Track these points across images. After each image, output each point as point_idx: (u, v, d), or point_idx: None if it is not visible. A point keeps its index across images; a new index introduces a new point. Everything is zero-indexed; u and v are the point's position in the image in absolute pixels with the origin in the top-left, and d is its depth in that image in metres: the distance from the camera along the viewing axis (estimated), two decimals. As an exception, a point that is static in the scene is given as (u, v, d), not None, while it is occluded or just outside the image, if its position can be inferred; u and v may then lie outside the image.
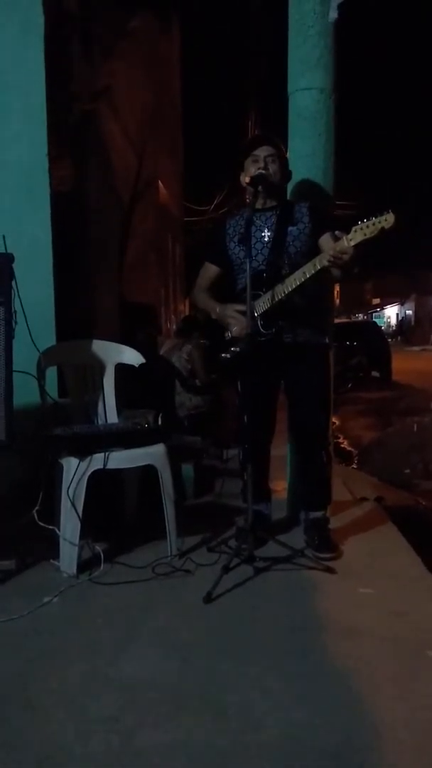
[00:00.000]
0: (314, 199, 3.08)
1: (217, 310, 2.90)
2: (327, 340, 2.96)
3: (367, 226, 2.45)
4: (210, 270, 3.02)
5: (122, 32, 7.28)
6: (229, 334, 2.89)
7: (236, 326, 2.80)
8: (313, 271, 2.60)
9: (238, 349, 2.87)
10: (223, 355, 2.95)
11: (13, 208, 3.63)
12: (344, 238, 2.51)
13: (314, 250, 2.72)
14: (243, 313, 2.72)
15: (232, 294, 2.92)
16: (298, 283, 2.64)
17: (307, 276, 2.61)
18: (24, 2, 3.64)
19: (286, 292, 2.67)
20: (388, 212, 2.42)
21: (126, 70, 7.41)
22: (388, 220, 2.42)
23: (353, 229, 2.49)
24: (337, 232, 2.58)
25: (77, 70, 5.41)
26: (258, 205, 2.80)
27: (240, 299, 2.81)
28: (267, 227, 2.81)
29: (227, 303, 2.87)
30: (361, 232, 2.46)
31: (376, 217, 2.44)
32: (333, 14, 3.01)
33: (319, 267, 2.58)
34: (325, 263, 2.55)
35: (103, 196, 6.10)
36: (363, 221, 2.46)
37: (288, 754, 1.54)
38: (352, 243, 2.48)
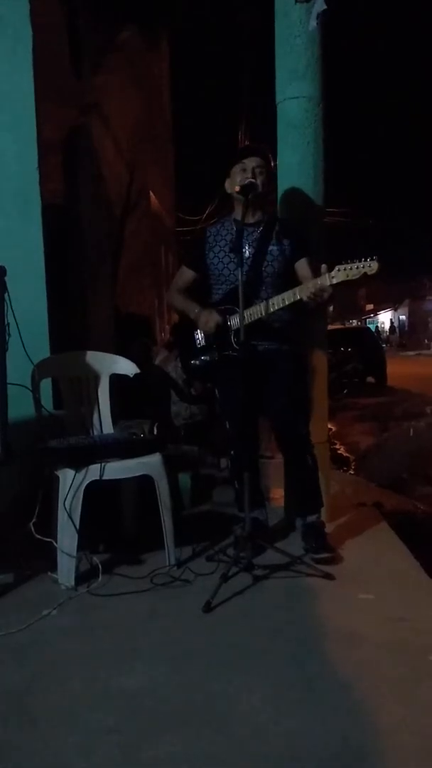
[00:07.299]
0: (304, 208, 3.10)
1: (196, 311, 2.90)
2: (301, 349, 3.00)
3: (351, 269, 2.53)
4: (187, 274, 3.04)
5: (111, 46, 7.33)
6: (199, 341, 2.93)
7: (205, 321, 2.83)
8: (292, 300, 2.68)
9: (208, 358, 2.90)
10: (192, 362, 2.97)
11: (5, 222, 3.63)
12: (326, 275, 2.57)
13: (290, 271, 2.77)
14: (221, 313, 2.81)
15: (206, 304, 2.94)
16: (276, 309, 2.72)
17: (286, 303, 2.70)
18: (12, 17, 3.66)
19: (262, 315, 2.74)
20: (374, 259, 2.51)
21: (115, 84, 7.45)
22: (372, 267, 2.52)
23: (337, 268, 2.56)
24: (323, 267, 2.62)
25: (67, 84, 5.44)
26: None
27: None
28: (248, 243, 2.83)
29: (207, 307, 2.89)
30: (344, 272, 2.54)
31: (361, 262, 2.53)
32: (312, 23, 3.03)
33: (298, 297, 2.65)
34: (304, 297, 2.62)
35: (95, 208, 6.11)
36: (348, 262, 2.54)
37: (290, 762, 1.53)
38: (334, 281, 2.56)
